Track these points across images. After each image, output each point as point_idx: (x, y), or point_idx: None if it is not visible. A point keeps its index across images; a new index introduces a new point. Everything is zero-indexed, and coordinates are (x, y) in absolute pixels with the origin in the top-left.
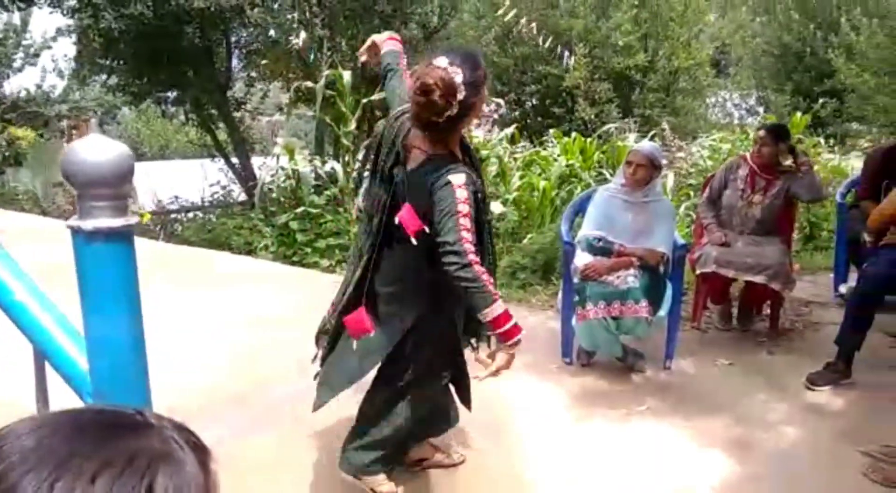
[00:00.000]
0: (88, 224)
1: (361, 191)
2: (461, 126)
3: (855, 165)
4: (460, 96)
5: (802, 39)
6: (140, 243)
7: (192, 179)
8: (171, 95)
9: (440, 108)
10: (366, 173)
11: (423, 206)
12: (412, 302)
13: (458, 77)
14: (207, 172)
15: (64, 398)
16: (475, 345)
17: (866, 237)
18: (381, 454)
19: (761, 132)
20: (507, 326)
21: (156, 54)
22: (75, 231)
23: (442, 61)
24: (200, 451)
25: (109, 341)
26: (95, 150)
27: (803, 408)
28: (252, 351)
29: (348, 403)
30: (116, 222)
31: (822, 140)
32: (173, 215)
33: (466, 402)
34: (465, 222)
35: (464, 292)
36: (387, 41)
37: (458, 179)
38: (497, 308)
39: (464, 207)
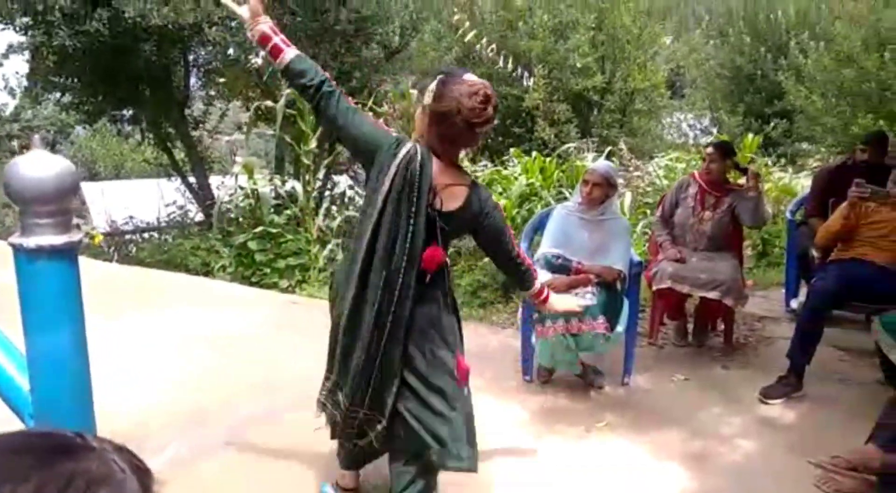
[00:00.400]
0: (30, 242)
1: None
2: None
3: (804, 183)
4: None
5: (754, 62)
6: (93, 266)
7: (148, 199)
8: (127, 113)
9: (491, 122)
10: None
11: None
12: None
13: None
14: (164, 191)
15: (4, 421)
16: None
17: (814, 253)
18: None
19: (709, 149)
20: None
21: (111, 72)
22: (17, 249)
23: (472, 76)
24: (142, 473)
25: (51, 361)
26: (37, 166)
27: (757, 421)
28: (209, 372)
29: (305, 427)
30: (59, 240)
31: (773, 160)
32: (128, 236)
33: None
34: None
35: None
36: (262, 21)
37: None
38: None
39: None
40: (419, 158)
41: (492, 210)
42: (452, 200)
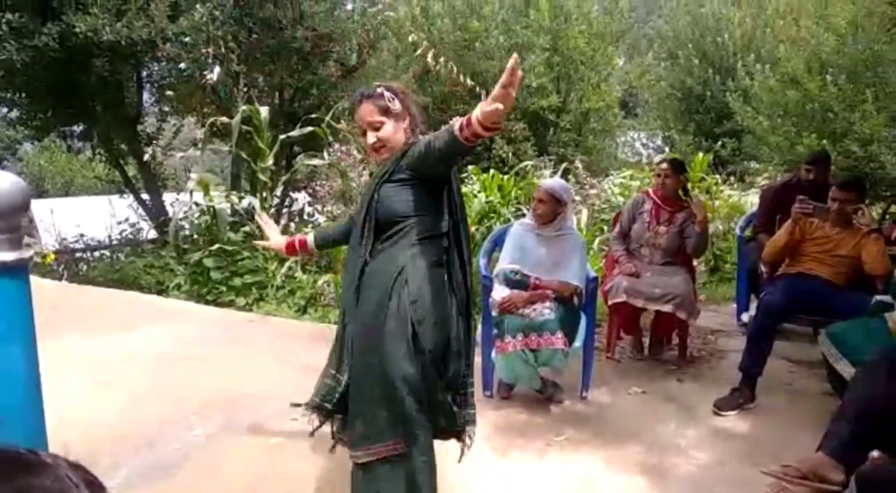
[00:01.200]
0: None
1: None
2: None
3: (753, 201)
4: None
5: (703, 83)
6: (42, 284)
7: (99, 217)
8: (78, 129)
9: None
10: None
11: None
12: None
13: None
14: (115, 208)
15: None
16: None
17: (763, 269)
18: None
19: (663, 165)
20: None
21: (62, 87)
22: None
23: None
24: (97, 489)
25: (3, 377)
26: None
27: (712, 432)
28: (164, 389)
29: (254, 450)
30: (9, 256)
31: (722, 178)
32: (78, 255)
33: None
34: None
35: None
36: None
37: None
38: None
39: None
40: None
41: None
42: None
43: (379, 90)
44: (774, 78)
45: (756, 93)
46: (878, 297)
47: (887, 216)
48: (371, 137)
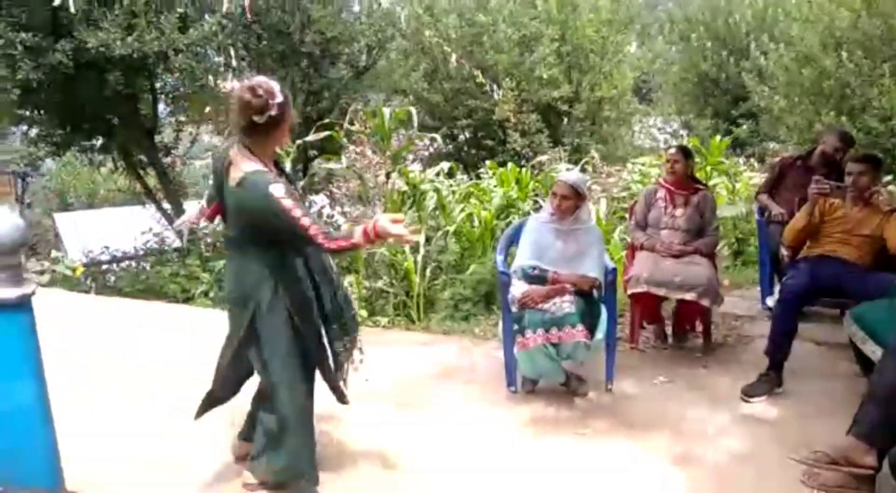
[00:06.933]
0: None
1: None
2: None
3: None
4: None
5: (717, 65)
6: (70, 298)
7: (123, 228)
8: (97, 142)
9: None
10: None
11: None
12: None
13: None
14: (139, 219)
15: None
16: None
17: (784, 252)
18: None
19: (672, 151)
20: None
21: (78, 103)
22: None
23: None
24: None
25: (12, 415)
26: None
27: (740, 419)
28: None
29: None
30: (12, 294)
31: (743, 160)
32: (105, 266)
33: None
34: None
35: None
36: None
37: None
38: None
39: None
40: None
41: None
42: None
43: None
44: (790, 56)
45: (772, 72)
46: None
47: None
48: None
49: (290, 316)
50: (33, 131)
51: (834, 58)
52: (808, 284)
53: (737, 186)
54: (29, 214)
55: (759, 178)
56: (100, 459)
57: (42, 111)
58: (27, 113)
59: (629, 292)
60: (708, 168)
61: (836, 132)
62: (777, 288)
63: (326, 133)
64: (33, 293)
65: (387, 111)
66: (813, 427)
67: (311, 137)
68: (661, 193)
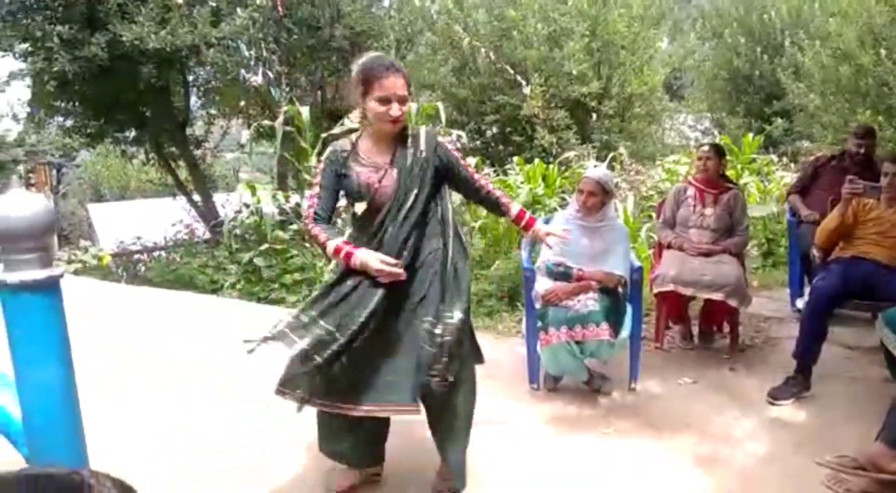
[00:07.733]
0: (14, 277)
1: None
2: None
3: None
4: None
5: (751, 62)
6: (100, 287)
7: (154, 219)
8: (130, 135)
9: None
10: None
11: None
12: None
13: None
14: (170, 210)
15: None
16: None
17: (815, 253)
18: None
19: (705, 148)
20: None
21: (112, 95)
22: (1, 285)
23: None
24: None
25: (41, 392)
26: (18, 204)
27: (767, 423)
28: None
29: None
30: (41, 274)
31: (776, 158)
32: (136, 256)
33: None
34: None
35: None
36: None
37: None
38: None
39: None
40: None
41: None
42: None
43: (405, 69)
44: (826, 53)
45: (807, 70)
46: None
47: None
48: (396, 110)
49: None
50: (69, 122)
51: (872, 55)
52: (839, 286)
53: (768, 186)
54: (64, 204)
55: (792, 177)
56: (126, 444)
57: (77, 103)
58: (63, 104)
59: (655, 290)
60: (739, 167)
61: (854, 129)
62: (807, 290)
63: (351, 126)
64: (62, 276)
65: (414, 106)
66: (840, 432)
67: (336, 131)
68: (691, 192)
